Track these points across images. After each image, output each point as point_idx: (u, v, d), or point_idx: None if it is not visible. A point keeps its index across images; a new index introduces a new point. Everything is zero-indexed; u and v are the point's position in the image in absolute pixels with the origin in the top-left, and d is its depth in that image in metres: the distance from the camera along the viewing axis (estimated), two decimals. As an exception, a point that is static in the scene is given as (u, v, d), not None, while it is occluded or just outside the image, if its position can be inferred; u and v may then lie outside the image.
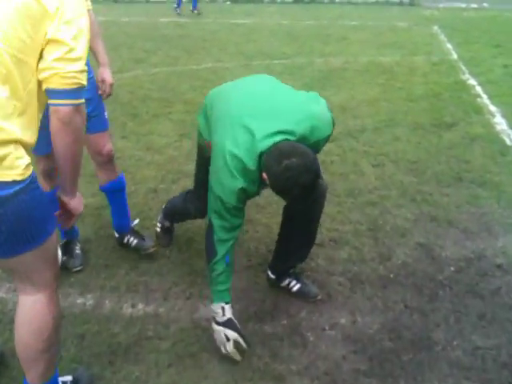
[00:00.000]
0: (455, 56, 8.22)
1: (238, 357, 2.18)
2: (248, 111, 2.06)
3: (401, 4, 15.07)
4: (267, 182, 1.97)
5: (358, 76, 7.03)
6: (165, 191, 3.72)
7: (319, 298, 2.55)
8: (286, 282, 2.61)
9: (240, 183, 2.01)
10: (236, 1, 16.31)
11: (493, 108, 5.54)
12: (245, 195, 2.08)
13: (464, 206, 3.51)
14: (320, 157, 4.18)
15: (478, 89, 6.31)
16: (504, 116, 5.24)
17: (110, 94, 2.69)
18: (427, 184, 3.81)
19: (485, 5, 14.89)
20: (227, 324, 2.18)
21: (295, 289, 2.59)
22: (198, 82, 6.74)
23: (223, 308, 2.20)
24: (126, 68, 7.61)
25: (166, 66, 7.79)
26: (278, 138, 1.96)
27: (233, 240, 2.17)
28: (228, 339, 2.16)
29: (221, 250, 2.14)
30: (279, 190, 1.97)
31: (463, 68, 7.41)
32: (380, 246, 3.02)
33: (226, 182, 2.02)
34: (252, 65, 7.77)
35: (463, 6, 14.79)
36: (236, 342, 2.16)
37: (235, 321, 2.21)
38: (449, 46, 9.11)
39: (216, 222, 2.12)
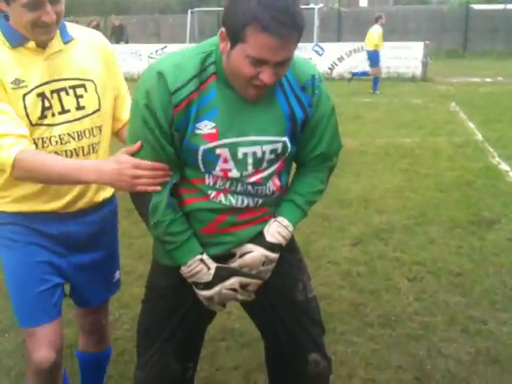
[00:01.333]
0: (480, 136, 7.67)
1: (252, 296, 1.64)
2: None
3: (413, 80, 14.81)
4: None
5: (377, 160, 6.46)
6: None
7: None
8: None
9: None
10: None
11: (535, 199, 4.88)
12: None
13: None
14: (344, 266, 3.58)
15: (514, 176, 5.70)
16: (551, 210, 4.58)
17: None
18: (478, 306, 3.09)
19: (499, 79, 14.59)
20: (220, 274, 1.59)
21: None
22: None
23: (202, 260, 1.58)
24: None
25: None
26: None
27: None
28: (235, 289, 1.59)
29: (155, 197, 1.53)
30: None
31: (491, 150, 6.82)
32: None
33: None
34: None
35: (478, 80, 14.47)
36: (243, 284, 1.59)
37: (224, 264, 1.61)
38: (471, 124, 8.59)
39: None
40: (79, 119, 1.78)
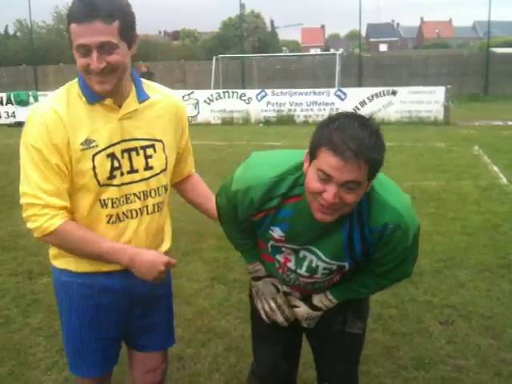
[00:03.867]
0: (505, 180, 7.72)
1: (281, 317, 1.93)
2: None
3: (435, 124, 14.95)
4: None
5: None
6: (192, 359, 3.12)
7: None
8: None
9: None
10: (269, 123, 16.52)
11: None
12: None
13: None
14: (376, 309, 3.64)
15: (541, 219, 5.73)
16: None
17: None
18: (510, 349, 3.12)
19: (523, 122, 14.70)
20: (272, 277, 1.97)
21: None
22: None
23: (256, 265, 2.00)
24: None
25: (200, 194, 7.48)
26: None
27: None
28: (278, 290, 1.95)
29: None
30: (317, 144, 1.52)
31: (517, 194, 6.87)
32: None
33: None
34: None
35: (500, 123, 14.56)
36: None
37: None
38: (495, 168, 8.65)
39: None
40: (147, 179, 1.80)
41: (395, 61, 25.09)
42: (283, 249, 1.80)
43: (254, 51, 34.51)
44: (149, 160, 1.80)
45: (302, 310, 1.93)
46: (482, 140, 11.68)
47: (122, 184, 1.76)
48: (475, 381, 2.83)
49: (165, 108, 1.84)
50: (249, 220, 1.77)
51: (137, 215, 1.82)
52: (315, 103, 15.91)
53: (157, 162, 1.82)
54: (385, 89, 15.53)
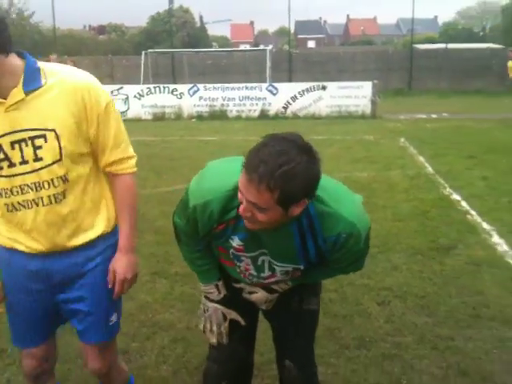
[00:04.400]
0: (430, 169, 8.11)
1: (224, 340, 2.04)
2: None
3: (363, 117, 15.44)
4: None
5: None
6: (138, 352, 3.10)
7: None
8: None
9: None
10: (202, 118, 16.46)
11: (486, 226, 5.24)
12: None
13: (492, 352, 3.01)
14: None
15: (464, 204, 6.07)
16: (501, 235, 4.92)
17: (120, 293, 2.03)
18: (444, 325, 3.32)
19: (445, 115, 15.40)
20: (224, 302, 2.03)
21: None
22: (169, 208, 6.28)
23: (217, 285, 2.02)
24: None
25: (135, 189, 7.36)
26: None
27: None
28: (225, 318, 2.04)
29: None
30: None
31: (442, 182, 7.24)
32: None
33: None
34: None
35: (424, 116, 15.24)
36: (230, 324, 2.04)
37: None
38: (421, 158, 9.06)
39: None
40: (37, 170, 1.78)
41: (324, 57, 25.66)
42: (242, 258, 1.85)
43: (184, 46, 34.15)
44: (38, 151, 1.77)
45: (261, 294, 2.00)
46: (408, 132, 12.18)
47: (14, 175, 1.78)
48: (414, 356, 2.98)
49: (60, 94, 1.77)
50: (210, 233, 1.79)
51: (32, 206, 1.83)
52: (247, 98, 16.01)
53: (47, 152, 1.78)
54: (315, 84, 15.84)
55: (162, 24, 41.70)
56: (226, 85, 16.43)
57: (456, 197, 6.42)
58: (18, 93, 1.72)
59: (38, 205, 1.82)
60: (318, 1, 77.23)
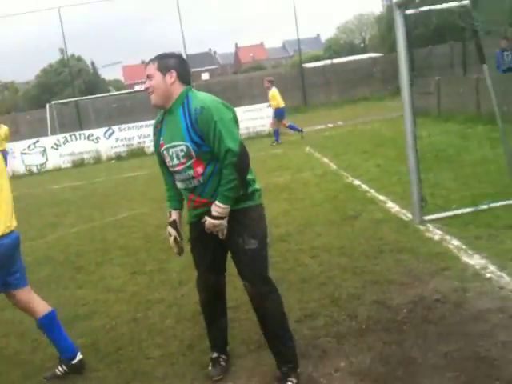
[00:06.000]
0: (334, 166, 9.64)
1: (175, 251, 3.11)
2: None
3: (270, 135, 16.98)
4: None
5: (264, 195, 8.01)
6: (144, 319, 4.16)
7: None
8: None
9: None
10: (120, 158, 17.28)
11: (382, 198, 6.72)
12: None
13: (393, 268, 4.36)
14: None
15: (364, 186, 7.56)
16: (393, 201, 6.41)
17: None
18: (359, 261, 4.65)
19: (339, 123, 17.34)
20: (171, 224, 3.11)
21: None
22: (124, 230, 7.30)
23: (170, 212, 3.15)
24: (44, 233, 7.91)
25: (85, 223, 8.21)
26: None
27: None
28: (170, 235, 3.09)
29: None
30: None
31: (345, 174, 8.75)
32: (346, 310, 3.72)
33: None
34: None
35: (322, 126, 17.09)
36: (175, 238, 3.06)
37: (178, 223, 3.11)
38: (325, 160, 10.60)
39: None
40: None
41: (221, 86, 27.22)
42: (164, 152, 2.97)
43: (82, 94, 34.57)
44: None
45: (208, 221, 2.87)
46: (311, 142, 13.82)
47: None
48: (340, 279, 4.26)
49: None
50: (158, 149, 3.02)
51: None
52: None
53: None
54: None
55: (56, 75, 41.86)
56: (140, 123, 17.43)
57: (357, 182, 7.92)
58: None
59: None
60: (205, 32, 79.38)
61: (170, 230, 3.10)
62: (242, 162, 2.82)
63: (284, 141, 15.04)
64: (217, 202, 2.85)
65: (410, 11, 4.92)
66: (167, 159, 2.98)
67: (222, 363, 3.19)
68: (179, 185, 3.04)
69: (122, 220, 8.01)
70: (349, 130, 15.03)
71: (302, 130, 15.09)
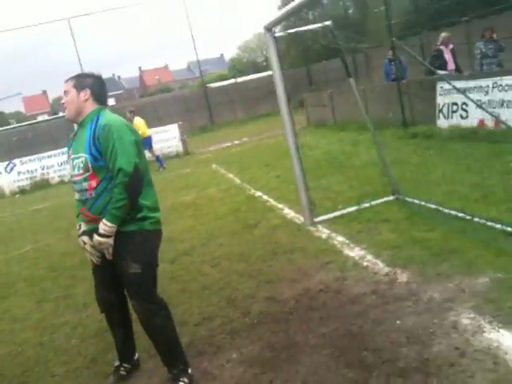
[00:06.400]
0: (238, 181, 10.02)
1: (95, 259, 3.15)
2: None
3: (178, 156, 17.22)
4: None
5: (168, 215, 8.22)
6: (50, 342, 4.26)
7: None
8: None
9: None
10: (24, 192, 16.80)
11: (280, 205, 7.15)
12: None
13: (285, 267, 4.74)
14: (164, 276, 5.18)
15: (265, 197, 7.98)
16: (290, 208, 6.85)
17: None
18: (256, 264, 4.99)
19: (245, 139, 17.85)
20: (83, 233, 3.19)
21: None
22: (28, 262, 7.24)
23: (80, 225, 3.23)
24: None
25: (-12, 259, 8.05)
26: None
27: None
28: (84, 243, 3.15)
29: None
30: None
31: (248, 187, 9.14)
32: (240, 309, 4.04)
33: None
34: (73, 235, 8.47)
35: (229, 144, 17.54)
36: (91, 245, 3.11)
37: (87, 233, 3.17)
38: (230, 175, 10.98)
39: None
40: None
41: (125, 111, 27.04)
42: (71, 162, 3.17)
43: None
44: None
45: (95, 238, 3.02)
46: (217, 159, 14.19)
47: None
48: (238, 282, 4.57)
49: None
50: (68, 160, 3.24)
51: None
52: (66, 162, 16.77)
53: None
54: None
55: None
56: (42, 154, 17.04)
57: (259, 194, 8.33)
58: None
59: None
60: (109, 56, 78.40)
61: (84, 238, 3.17)
62: (133, 184, 2.94)
63: (194, 159, 15.32)
64: (104, 220, 3.00)
65: (278, 34, 5.40)
66: (71, 169, 3.20)
67: (122, 372, 3.39)
68: (75, 195, 3.22)
69: (26, 253, 7.92)
70: (254, 145, 15.56)
71: (163, 167, 14.99)
